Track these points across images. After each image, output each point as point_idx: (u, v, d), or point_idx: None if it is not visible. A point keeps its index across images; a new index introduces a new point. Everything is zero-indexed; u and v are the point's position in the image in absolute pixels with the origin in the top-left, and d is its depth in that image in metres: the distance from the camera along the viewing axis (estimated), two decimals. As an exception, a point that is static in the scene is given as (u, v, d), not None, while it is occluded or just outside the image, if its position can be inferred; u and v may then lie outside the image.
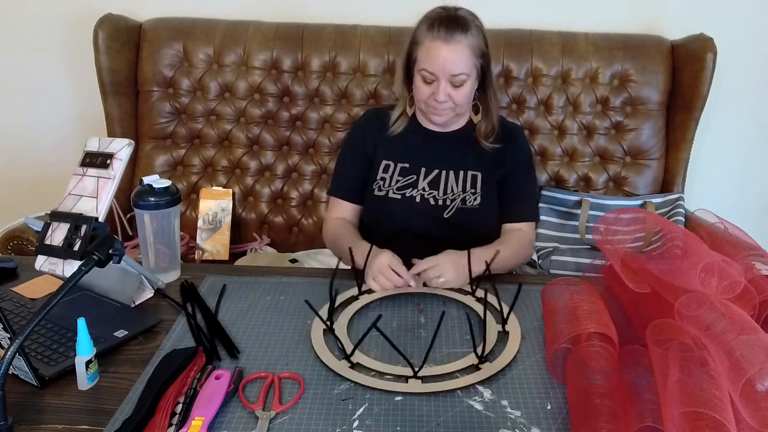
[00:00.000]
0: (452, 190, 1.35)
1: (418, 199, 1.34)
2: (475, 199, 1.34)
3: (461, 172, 1.36)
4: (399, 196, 1.35)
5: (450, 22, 1.25)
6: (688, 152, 1.93)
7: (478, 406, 0.87)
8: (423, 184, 1.36)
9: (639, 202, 1.89)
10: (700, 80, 1.83)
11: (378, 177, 1.38)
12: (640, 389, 0.82)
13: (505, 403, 0.88)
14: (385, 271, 1.15)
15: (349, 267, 1.23)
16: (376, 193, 1.37)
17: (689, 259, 0.92)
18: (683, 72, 1.89)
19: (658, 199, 1.88)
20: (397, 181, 1.36)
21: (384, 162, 1.39)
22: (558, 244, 1.83)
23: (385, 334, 0.90)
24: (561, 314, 1.03)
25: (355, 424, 0.83)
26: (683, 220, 1.81)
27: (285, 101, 1.94)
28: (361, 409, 0.85)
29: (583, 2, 1.99)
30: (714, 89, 1.84)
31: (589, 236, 1.79)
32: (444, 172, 1.36)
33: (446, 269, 1.16)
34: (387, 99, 1.91)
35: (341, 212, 1.41)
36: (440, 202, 1.34)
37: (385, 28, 1.92)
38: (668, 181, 1.95)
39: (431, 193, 1.35)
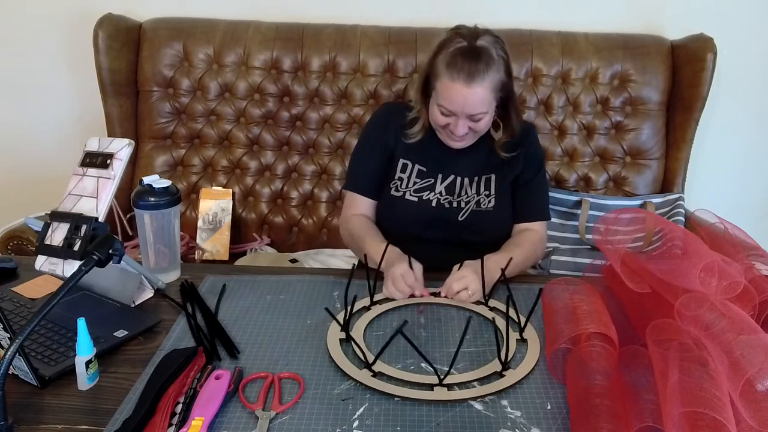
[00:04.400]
0: (466, 193, 1.35)
1: (434, 203, 1.34)
2: (489, 202, 1.34)
3: (476, 177, 1.36)
4: (416, 199, 1.34)
5: (471, 59, 1.19)
6: (688, 152, 1.93)
7: (479, 406, 0.87)
8: (440, 188, 1.35)
9: (639, 202, 1.89)
10: (700, 80, 1.83)
11: (396, 176, 1.37)
12: (640, 389, 0.82)
13: (505, 403, 0.88)
14: (397, 283, 1.14)
15: (374, 267, 1.21)
16: (393, 193, 1.36)
17: (689, 259, 0.92)
18: (683, 72, 1.89)
19: (658, 199, 1.88)
20: (415, 183, 1.36)
21: (402, 161, 1.38)
22: (558, 244, 1.83)
23: (413, 343, 0.89)
24: (561, 314, 1.03)
25: (355, 424, 0.83)
26: (683, 220, 1.81)
27: (285, 101, 1.94)
28: (361, 409, 0.85)
29: (583, 2, 1.99)
30: (714, 89, 1.84)
31: (589, 236, 1.79)
32: (460, 178, 1.36)
33: (472, 282, 1.13)
34: (387, 99, 1.91)
35: (361, 209, 1.39)
36: (454, 205, 1.34)
37: (385, 28, 1.92)
38: (668, 181, 1.95)
39: (447, 197, 1.35)
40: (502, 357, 0.94)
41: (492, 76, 1.21)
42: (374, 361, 0.93)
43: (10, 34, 2.03)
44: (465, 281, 1.13)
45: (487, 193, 1.35)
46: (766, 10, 1.97)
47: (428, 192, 1.35)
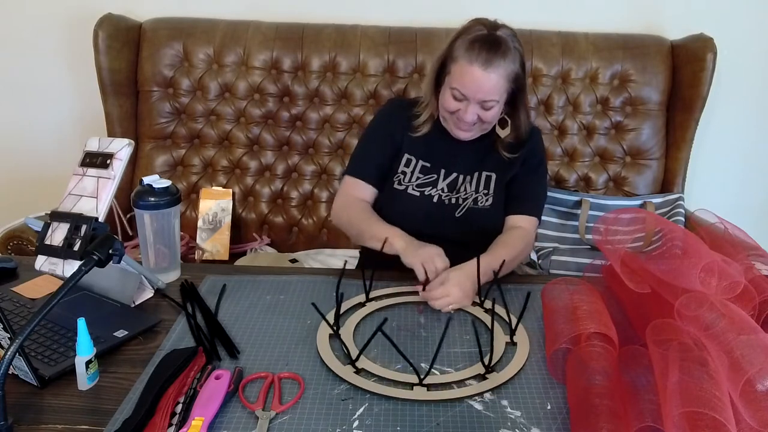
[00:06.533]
0: (465, 190, 1.36)
1: (435, 199, 1.35)
2: (486, 200, 1.35)
3: (476, 173, 1.37)
4: (418, 193, 1.35)
5: (491, 46, 1.22)
6: (688, 152, 1.93)
7: (478, 406, 0.87)
8: (442, 184, 1.36)
9: (639, 202, 1.89)
10: (700, 80, 1.83)
11: (399, 170, 1.37)
12: (640, 389, 0.82)
13: (505, 403, 0.88)
14: (431, 263, 1.15)
15: (373, 248, 1.22)
16: (396, 186, 1.36)
17: (689, 259, 0.92)
18: (683, 72, 1.89)
19: (658, 199, 1.88)
20: (418, 178, 1.36)
21: (407, 156, 1.38)
22: (558, 244, 1.83)
23: (391, 339, 0.90)
24: (561, 314, 1.03)
25: (355, 424, 0.83)
26: (683, 220, 1.81)
27: (285, 101, 1.94)
28: (361, 410, 0.85)
29: (583, 2, 1.99)
30: (714, 89, 1.85)
31: (589, 236, 1.79)
32: (461, 176, 1.37)
33: (453, 291, 1.12)
34: (387, 99, 1.90)
35: (362, 194, 1.38)
36: (453, 201, 1.35)
37: (385, 28, 1.92)
38: (668, 181, 1.95)
39: (448, 194, 1.35)
40: (486, 360, 0.94)
41: (508, 65, 1.24)
42: (357, 358, 0.94)
43: (10, 34, 2.03)
44: (448, 299, 1.12)
45: (485, 191, 1.35)
46: (766, 10, 1.97)
47: (430, 188, 1.35)
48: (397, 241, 1.20)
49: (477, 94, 1.24)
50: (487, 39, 1.23)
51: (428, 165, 1.37)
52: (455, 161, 1.37)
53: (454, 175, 1.37)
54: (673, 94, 1.92)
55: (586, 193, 1.89)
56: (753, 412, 0.73)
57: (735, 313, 0.83)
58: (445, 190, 1.36)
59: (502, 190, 1.37)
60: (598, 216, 1.78)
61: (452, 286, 1.12)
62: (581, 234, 1.81)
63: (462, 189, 1.36)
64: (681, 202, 1.86)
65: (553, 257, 1.76)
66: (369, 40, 1.90)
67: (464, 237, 1.33)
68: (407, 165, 1.38)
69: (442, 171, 1.37)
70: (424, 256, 1.16)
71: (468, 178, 1.37)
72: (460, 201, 1.35)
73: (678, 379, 0.74)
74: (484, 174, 1.37)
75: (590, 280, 1.15)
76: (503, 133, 1.36)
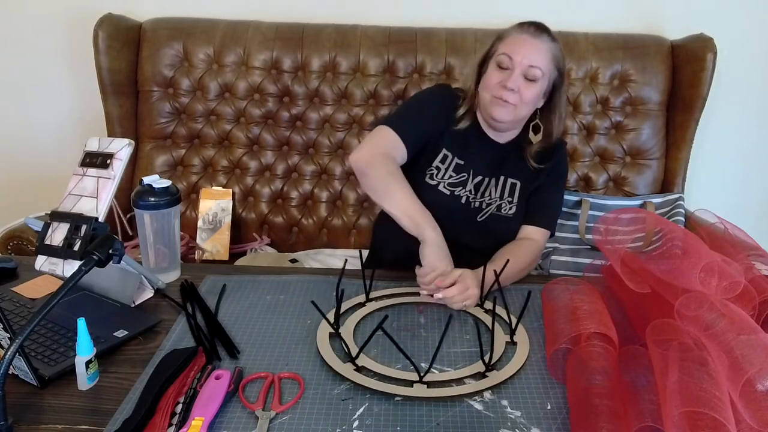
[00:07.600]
0: (490, 195, 1.36)
1: (463, 201, 1.34)
2: (510, 208, 1.35)
3: (502, 178, 1.37)
4: (448, 192, 1.34)
5: (539, 26, 1.32)
6: (688, 152, 1.93)
7: (478, 406, 0.87)
8: (470, 186, 1.35)
9: (639, 202, 1.89)
10: (700, 80, 1.83)
11: (433, 165, 1.36)
12: (640, 389, 0.82)
13: (505, 403, 0.88)
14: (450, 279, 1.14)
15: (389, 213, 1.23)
16: (428, 180, 1.35)
17: (689, 259, 0.92)
18: (683, 72, 1.89)
19: (658, 199, 1.88)
20: (450, 176, 1.35)
21: (444, 151, 1.36)
22: (558, 244, 1.83)
23: (392, 337, 0.90)
24: (561, 314, 1.03)
25: (355, 424, 0.83)
26: (683, 220, 1.81)
27: (285, 101, 1.94)
28: (361, 409, 0.85)
29: (583, 2, 1.99)
30: (714, 89, 1.84)
31: (589, 236, 1.79)
32: (486, 179, 1.37)
33: (472, 290, 1.13)
34: (387, 99, 1.91)
35: (394, 151, 1.30)
36: (477, 204, 1.35)
37: (385, 28, 1.92)
38: (668, 181, 1.95)
39: (474, 197, 1.35)
40: (486, 359, 0.94)
41: (554, 48, 1.31)
42: (357, 355, 0.94)
43: (10, 34, 2.03)
44: (468, 293, 1.12)
45: (510, 199, 1.35)
46: (766, 10, 1.97)
47: (460, 188, 1.35)
48: (429, 229, 1.18)
49: (524, 58, 1.26)
50: (535, 22, 1.33)
51: (462, 163, 1.36)
52: (483, 162, 1.37)
53: (480, 177, 1.36)
54: (673, 94, 1.92)
55: (586, 193, 1.89)
56: (753, 412, 0.73)
57: (735, 313, 0.83)
58: (473, 192, 1.35)
59: (525, 199, 1.37)
60: (598, 216, 1.77)
61: (472, 286, 1.13)
62: (581, 234, 1.81)
63: (487, 193, 1.36)
64: (681, 202, 1.86)
65: (553, 257, 1.76)
66: (369, 40, 1.90)
67: (482, 242, 1.32)
68: (443, 161, 1.36)
69: (472, 171, 1.36)
70: (446, 267, 1.15)
71: (492, 181, 1.36)
72: (484, 206, 1.35)
73: (678, 379, 0.74)
74: (509, 181, 1.37)
75: (590, 280, 1.15)
76: (535, 138, 1.36)
